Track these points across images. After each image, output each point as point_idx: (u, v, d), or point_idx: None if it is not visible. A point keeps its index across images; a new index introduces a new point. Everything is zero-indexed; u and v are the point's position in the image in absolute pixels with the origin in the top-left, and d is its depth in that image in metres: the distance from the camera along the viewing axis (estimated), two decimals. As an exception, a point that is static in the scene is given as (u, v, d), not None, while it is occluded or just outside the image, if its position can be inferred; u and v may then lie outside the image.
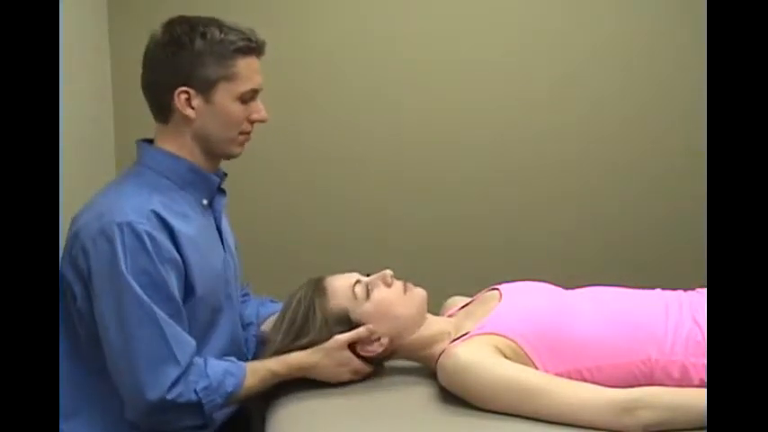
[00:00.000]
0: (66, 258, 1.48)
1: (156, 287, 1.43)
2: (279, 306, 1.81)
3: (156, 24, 1.52)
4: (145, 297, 1.41)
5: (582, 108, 2.48)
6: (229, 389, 1.49)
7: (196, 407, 1.46)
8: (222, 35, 1.50)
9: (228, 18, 1.55)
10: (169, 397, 1.42)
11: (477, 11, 2.41)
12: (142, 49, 1.54)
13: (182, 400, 1.44)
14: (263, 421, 1.59)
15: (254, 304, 1.82)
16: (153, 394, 1.42)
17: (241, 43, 1.51)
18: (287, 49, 2.28)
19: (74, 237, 1.47)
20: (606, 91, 2.48)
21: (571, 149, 2.49)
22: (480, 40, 2.42)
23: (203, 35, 1.49)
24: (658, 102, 2.49)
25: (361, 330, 1.58)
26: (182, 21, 1.52)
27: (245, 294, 1.83)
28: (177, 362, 1.43)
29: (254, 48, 1.53)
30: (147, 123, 1.58)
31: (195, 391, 1.45)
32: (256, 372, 1.54)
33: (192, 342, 1.47)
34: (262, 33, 1.55)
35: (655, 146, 2.51)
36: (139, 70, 1.55)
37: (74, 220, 1.51)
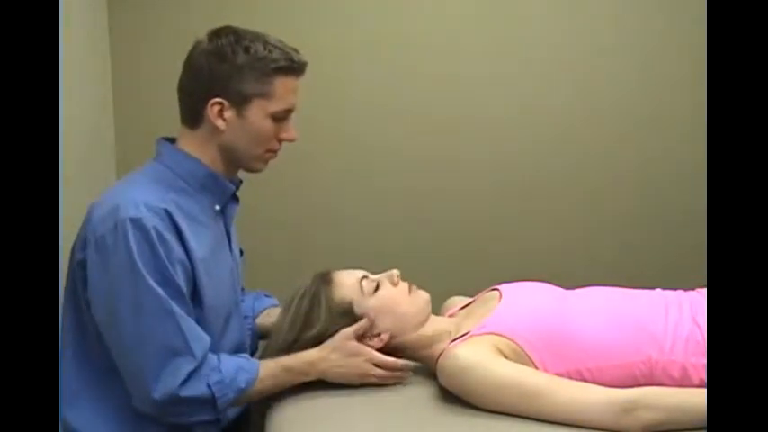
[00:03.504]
0: (80, 246, 1.48)
1: (169, 283, 1.43)
2: (273, 300, 1.84)
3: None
4: (161, 291, 1.42)
5: (584, 111, 2.48)
6: (242, 384, 1.49)
7: (209, 401, 1.45)
8: (266, 52, 1.49)
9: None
10: (183, 394, 1.42)
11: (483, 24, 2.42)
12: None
13: (195, 394, 1.44)
14: (263, 421, 1.59)
15: (250, 299, 1.83)
16: (166, 388, 1.42)
17: (283, 62, 1.51)
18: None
19: (90, 227, 1.46)
20: (606, 95, 2.48)
21: (571, 150, 2.49)
22: (487, 52, 2.42)
23: (247, 49, 1.49)
24: (660, 103, 2.49)
25: (363, 323, 1.59)
26: (229, 32, 1.52)
27: (240, 289, 1.83)
28: (193, 355, 1.43)
29: (294, 68, 1.53)
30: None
31: (208, 385, 1.45)
32: (269, 368, 1.54)
33: (207, 338, 1.47)
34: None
35: (655, 145, 2.51)
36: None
37: (90, 210, 1.50)
